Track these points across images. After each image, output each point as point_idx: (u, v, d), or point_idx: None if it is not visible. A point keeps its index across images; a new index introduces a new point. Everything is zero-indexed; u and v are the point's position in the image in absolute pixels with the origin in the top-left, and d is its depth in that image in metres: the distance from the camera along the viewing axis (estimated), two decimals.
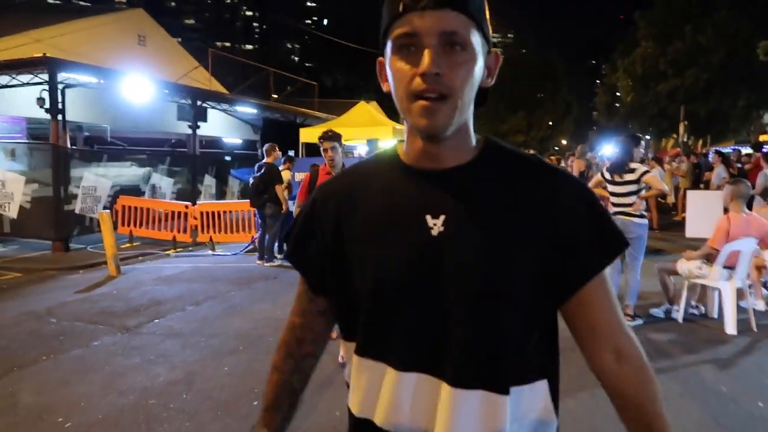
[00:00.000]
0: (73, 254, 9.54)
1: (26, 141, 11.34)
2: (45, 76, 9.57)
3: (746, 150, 18.65)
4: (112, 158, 11.51)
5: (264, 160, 8.53)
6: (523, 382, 0.88)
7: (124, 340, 4.84)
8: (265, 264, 8.36)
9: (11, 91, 10.62)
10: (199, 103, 13.55)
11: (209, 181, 14.07)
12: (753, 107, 21.92)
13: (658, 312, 5.36)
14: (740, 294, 5.17)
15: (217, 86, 18.06)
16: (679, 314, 5.19)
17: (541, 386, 0.91)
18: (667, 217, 13.19)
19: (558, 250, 0.86)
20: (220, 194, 14.28)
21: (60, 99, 9.68)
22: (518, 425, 0.88)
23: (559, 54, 48.17)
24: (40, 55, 9.23)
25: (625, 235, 0.93)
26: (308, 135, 15.45)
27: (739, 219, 5.02)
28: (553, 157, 20.62)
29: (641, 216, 5.12)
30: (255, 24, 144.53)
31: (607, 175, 5.39)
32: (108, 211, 8.55)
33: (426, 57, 0.81)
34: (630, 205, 5.10)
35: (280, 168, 9.15)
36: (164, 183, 12.68)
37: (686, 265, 5.21)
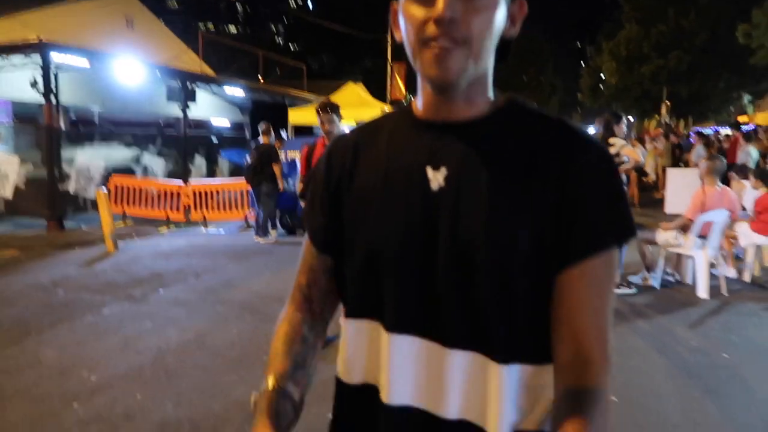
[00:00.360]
0: (68, 232, 9.68)
1: (19, 123, 11.38)
2: (38, 60, 9.61)
3: (725, 130, 19.16)
4: (104, 139, 11.61)
5: (260, 140, 8.71)
6: (522, 359, 0.80)
7: (133, 308, 5.08)
8: (261, 240, 8.60)
9: None
10: (189, 85, 13.62)
11: (200, 162, 14.21)
12: (733, 89, 22.45)
13: (636, 279, 5.71)
14: (712, 262, 5.53)
15: (206, 69, 18.06)
16: (656, 281, 5.54)
17: (546, 372, 0.81)
18: (648, 195, 13.60)
19: (560, 220, 0.78)
20: (211, 174, 14.43)
21: (53, 82, 9.75)
22: (519, 414, 0.80)
23: (545, 35, 48.32)
24: (35, 38, 9.25)
25: None
26: (297, 117, 15.60)
27: (713, 192, 5.36)
28: None
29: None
30: (239, 5, 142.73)
31: None
32: (105, 190, 8.69)
33: (441, 0, 0.74)
34: None
35: None
36: (155, 163, 12.80)
37: (663, 235, 5.55)
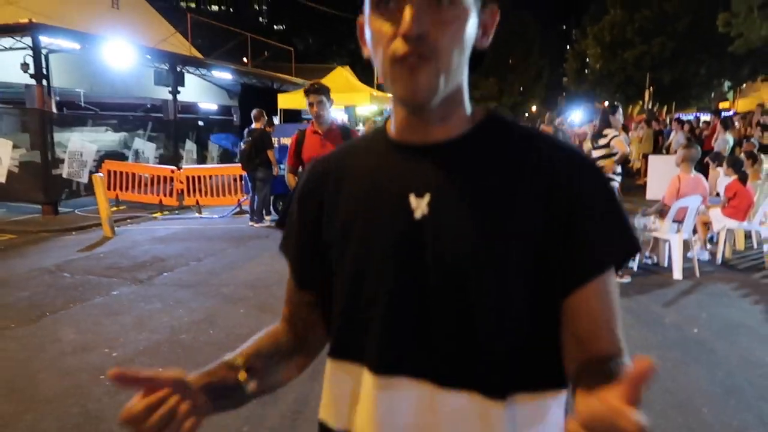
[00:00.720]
0: (62, 217, 9.81)
1: (11, 106, 11.38)
2: (27, 41, 9.64)
3: (705, 117, 19.65)
4: (95, 123, 11.66)
5: (253, 126, 8.89)
6: (523, 389, 0.76)
7: (141, 290, 5.31)
8: (256, 225, 8.82)
9: None
10: (178, 68, 13.66)
11: (190, 146, 14.30)
12: (714, 75, 22.92)
13: None
14: (687, 245, 5.89)
15: (194, 52, 18.02)
16: (634, 263, 5.89)
17: (551, 399, 0.78)
18: (631, 181, 14.01)
19: (557, 240, 0.75)
20: (201, 159, 14.53)
21: (44, 64, 9.79)
22: None
23: (531, 16, 48.37)
24: (26, 20, 9.27)
25: None
26: (286, 101, 15.70)
27: (688, 179, 5.70)
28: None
29: (609, 179, 5.70)
30: None
31: (590, 143, 6.04)
32: (101, 175, 8.82)
33: (407, 14, 0.70)
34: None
35: None
36: (147, 148, 12.88)
37: (642, 220, 5.89)
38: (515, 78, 44.57)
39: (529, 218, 0.76)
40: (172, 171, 10.99)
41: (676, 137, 12.15)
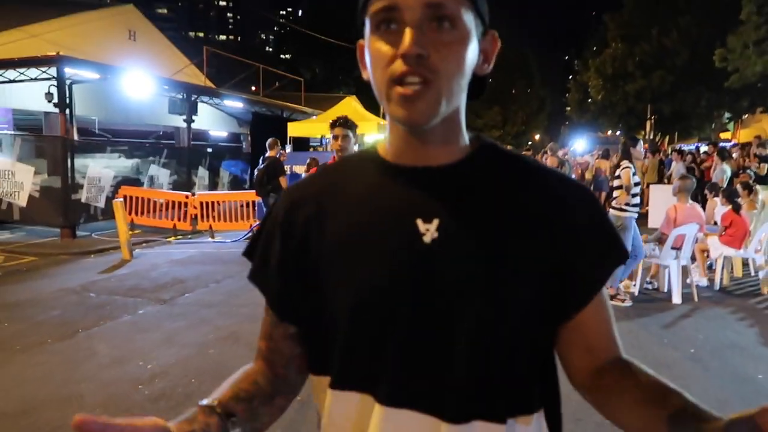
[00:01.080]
0: (80, 240, 10.14)
1: (33, 134, 11.87)
2: (53, 72, 10.12)
3: (705, 147, 20.03)
4: (111, 150, 12.11)
5: (267, 154, 9.28)
6: (524, 412, 0.78)
7: (166, 309, 5.60)
8: None
9: None
10: (193, 97, 14.17)
11: (202, 173, 14.72)
12: (714, 108, 23.43)
13: (619, 285, 6.33)
14: (686, 271, 6.17)
15: (208, 82, 18.63)
16: (636, 288, 6.16)
17: (539, 415, 0.80)
18: None
19: (561, 263, 0.78)
20: (213, 185, 14.93)
21: (68, 94, 10.27)
22: None
23: (533, 48, 49.56)
24: (53, 53, 9.78)
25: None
26: (296, 129, 16.20)
27: (684, 208, 6.01)
28: (526, 152, 21.71)
29: (621, 209, 5.78)
30: (229, 14, 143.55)
31: (611, 175, 6.29)
32: (121, 200, 9.17)
33: (407, 35, 0.71)
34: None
35: None
36: (161, 174, 13.30)
37: (643, 247, 6.18)
38: (518, 107, 45.30)
39: (536, 242, 0.77)
40: (187, 197, 11.37)
41: (677, 167, 12.48)
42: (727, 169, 9.97)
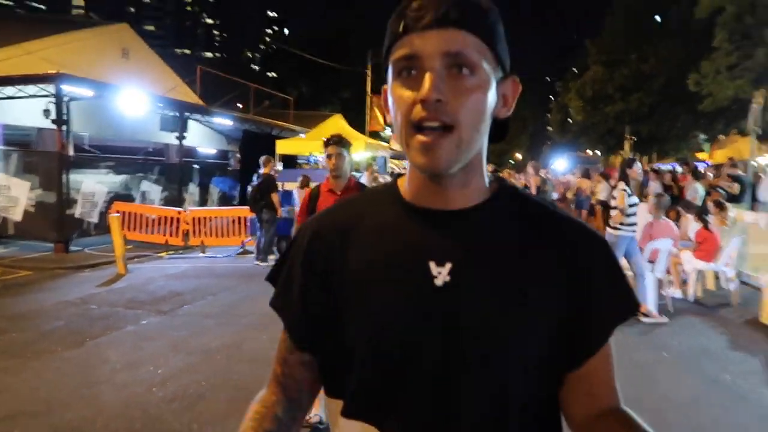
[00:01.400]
0: (74, 255, 10.27)
1: (27, 149, 12.04)
2: (50, 89, 10.34)
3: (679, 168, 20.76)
4: (105, 166, 12.31)
5: (261, 171, 9.56)
6: None
7: (167, 320, 5.82)
8: (262, 264, 9.35)
9: None
10: (186, 115, 14.46)
11: (193, 189, 14.94)
12: (690, 129, 24.31)
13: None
14: (661, 284, 6.54)
15: (196, 98, 18.91)
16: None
17: None
18: None
19: (573, 312, 0.79)
20: (203, 201, 15.15)
21: (65, 111, 10.49)
22: None
23: (515, 70, 50.68)
24: (53, 71, 10.02)
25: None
26: (284, 147, 16.57)
27: (659, 224, 6.41)
28: (507, 171, 22.28)
29: (615, 228, 6.09)
30: (216, 32, 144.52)
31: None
32: (118, 214, 9.36)
33: (426, 81, 0.73)
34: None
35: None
36: (153, 190, 13.50)
37: (620, 262, 6.55)
38: None
39: (549, 290, 0.79)
40: (179, 212, 11.58)
41: (653, 186, 12.99)
42: (700, 188, 10.47)
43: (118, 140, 17.83)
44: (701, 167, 20.34)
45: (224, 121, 16.88)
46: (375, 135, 28.80)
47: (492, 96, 0.79)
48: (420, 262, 0.79)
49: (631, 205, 6.13)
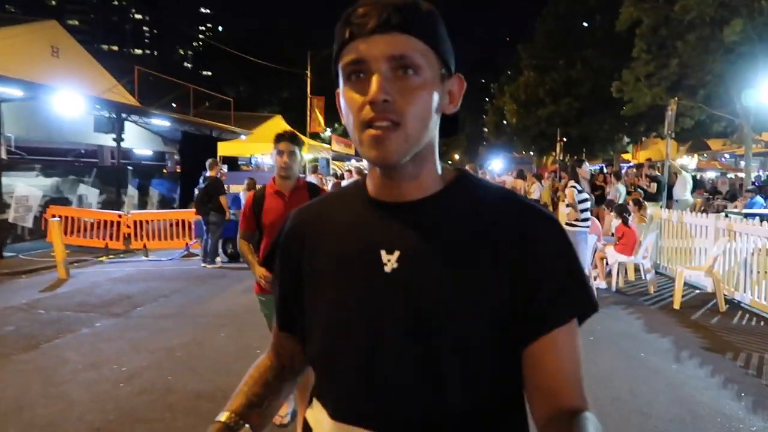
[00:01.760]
0: (8, 261, 9.93)
1: None
2: None
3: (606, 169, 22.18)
4: (43, 169, 11.92)
5: (207, 173, 9.61)
6: None
7: (122, 322, 5.88)
8: (209, 266, 9.41)
9: None
10: (121, 117, 14.16)
11: (132, 192, 14.65)
12: (615, 132, 25.92)
13: None
14: (588, 275, 7.18)
15: (133, 99, 18.47)
16: None
17: None
18: None
19: (519, 294, 0.80)
20: (143, 204, 14.88)
21: None
22: None
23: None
24: None
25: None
26: (225, 149, 16.49)
27: None
28: None
29: (571, 225, 6.49)
30: (146, 28, 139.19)
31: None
32: (58, 219, 9.17)
33: (374, 83, 0.77)
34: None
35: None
36: (90, 193, 13.16)
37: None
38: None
39: (496, 272, 0.80)
40: (119, 216, 11.40)
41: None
42: (622, 188, 11.37)
43: (48, 142, 17.18)
44: (624, 168, 21.88)
45: (162, 122, 16.61)
46: (315, 136, 28.88)
47: (437, 94, 0.83)
48: (372, 251, 0.85)
49: (581, 201, 6.54)
